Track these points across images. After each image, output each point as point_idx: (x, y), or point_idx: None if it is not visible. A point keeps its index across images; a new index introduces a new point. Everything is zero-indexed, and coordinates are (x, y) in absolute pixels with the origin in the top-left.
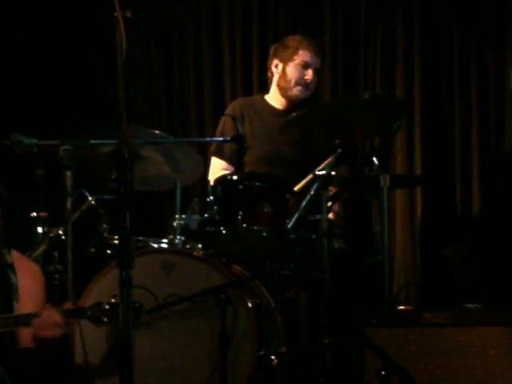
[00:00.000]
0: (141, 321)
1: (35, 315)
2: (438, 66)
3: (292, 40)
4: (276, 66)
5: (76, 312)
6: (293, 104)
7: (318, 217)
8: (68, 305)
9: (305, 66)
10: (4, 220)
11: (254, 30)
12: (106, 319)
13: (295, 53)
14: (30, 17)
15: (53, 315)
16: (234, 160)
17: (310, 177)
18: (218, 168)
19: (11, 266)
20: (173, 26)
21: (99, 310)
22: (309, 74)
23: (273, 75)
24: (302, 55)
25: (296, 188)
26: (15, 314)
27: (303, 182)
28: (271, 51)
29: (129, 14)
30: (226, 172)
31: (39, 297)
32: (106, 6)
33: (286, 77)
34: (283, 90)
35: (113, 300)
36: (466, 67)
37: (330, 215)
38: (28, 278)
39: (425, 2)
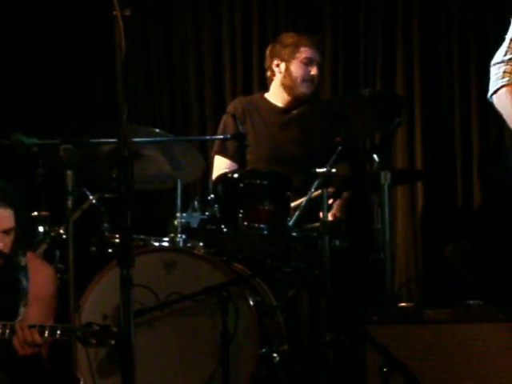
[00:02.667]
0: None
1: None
2: (438, 62)
3: (289, 38)
4: (277, 66)
5: (66, 331)
6: (297, 101)
7: (315, 225)
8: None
9: (308, 62)
10: (17, 223)
11: (253, 29)
12: (94, 342)
13: (297, 50)
14: (28, 16)
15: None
16: (237, 158)
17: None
18: (221, 167)
19: (24, 269)
20: (172, 23)
21: (89, 332)
22: (314, 70)
23: (274, 74)
24: (304, 52)
25: (292, 204)
26: (20, 319)
27: (300, 200)
28: (268, 51)
29: (128, 13)
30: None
31: (48, 300)
32: (105, 4)
33: (291, 75)
34: (289, 89)
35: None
36: (466, 63)
37: (330, 217)
38: (39, 281)
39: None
